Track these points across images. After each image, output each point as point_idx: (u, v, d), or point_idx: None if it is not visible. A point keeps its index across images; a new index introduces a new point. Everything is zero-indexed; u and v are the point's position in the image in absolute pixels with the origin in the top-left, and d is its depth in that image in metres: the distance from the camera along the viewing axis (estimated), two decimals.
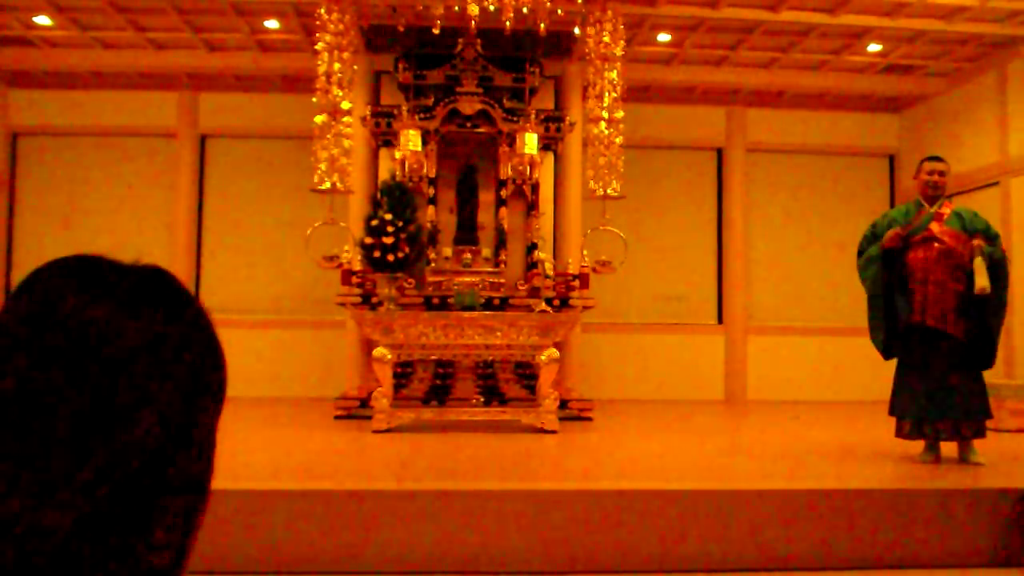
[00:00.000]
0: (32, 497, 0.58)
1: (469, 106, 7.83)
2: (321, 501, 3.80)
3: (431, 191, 7.95)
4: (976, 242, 4.76)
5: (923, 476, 4.48)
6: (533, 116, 7.61)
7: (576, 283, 7.66)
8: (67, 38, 8.86)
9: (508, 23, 6.50)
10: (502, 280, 7.85)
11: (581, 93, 8.37)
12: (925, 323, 4.83)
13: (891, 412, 5.02)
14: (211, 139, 10.01)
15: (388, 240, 6.88)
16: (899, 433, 4.99)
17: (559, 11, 6.93)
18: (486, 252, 7.99)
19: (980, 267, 4.69)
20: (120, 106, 9.79)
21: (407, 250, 6.96)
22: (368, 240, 6.96)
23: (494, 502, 3.82)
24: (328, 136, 7.12)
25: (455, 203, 8.20)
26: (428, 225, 7.82)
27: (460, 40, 7.85)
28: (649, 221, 10.04)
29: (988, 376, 4.96)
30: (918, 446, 5.01)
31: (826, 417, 7.95)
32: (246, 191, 9.94)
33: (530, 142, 7.46)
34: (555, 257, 8.14)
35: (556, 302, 7.36)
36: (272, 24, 8.58)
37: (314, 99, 7.20)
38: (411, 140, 7.36)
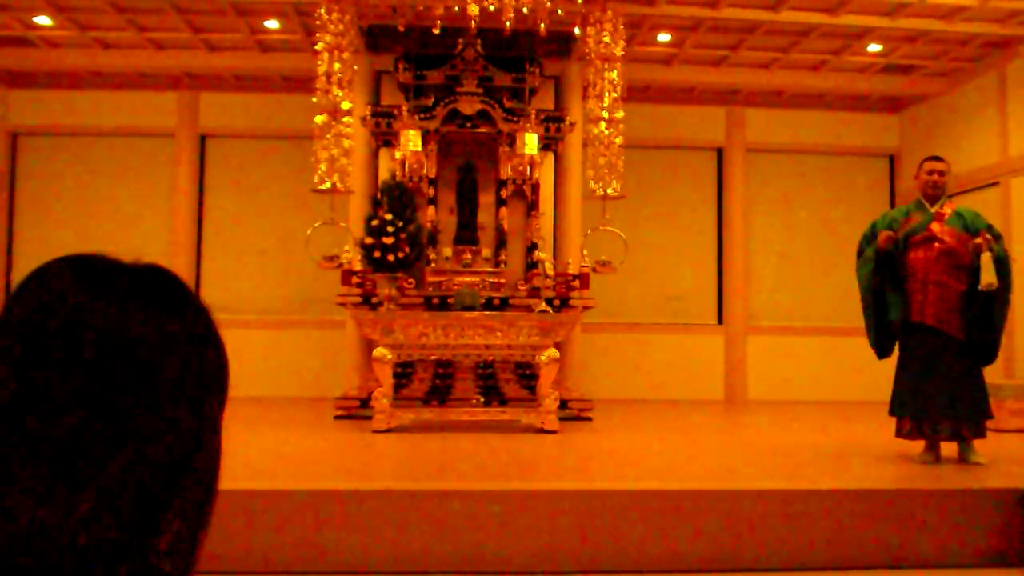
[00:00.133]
0: (37, 498, 0.58)
1: (469, 106, 7.83)
2: (321, 501, 3.80)
3: (431, 191, 7.95)
4: (981, 239, 4.75)
5: (923, 476, 4.48)
6: (533, 116, 7.61)
7: (576, 283, 7.65)
8: (67, 38, 8.86)
9: (508, 23, 6.50)
10: (502, 280, 7.85)
11: (581, 93, 8.37)
12: (925, 323, 4.83)
13: (891, 412, 5.02)
14: (211, 139, 10.00)
15: (388, 240, 6.88)
16: (899, 433, 5.00)
17: (559, 11, 6.93)
18: (486, 252, 7.99)
19: (988, 263, 4.68)
20: (120, 106, 9.79)
21: (407, 250, 6.95)
22: (368, 240, 6.96)
23: (494, 502, 3.82)
24: (328, 136, 7.12)
25: (455, 203, 8.20)
26: (428, 225, 7.82)
27: (460, 40, 7.85)
28: (649, 221, 10.04)
29: (988, 376, 4.96)
30: (918, 446, 5.01)
31: (826, 417, 7.94)
32: (246, 191, 9.94)
33: (530, 142, 7.46)
34: (555, 257, 8.14)
35: (556, 302, 7.36)
36: (272, 24, 8.58)
37: (314, 99, 7.20)
38: (411, 140, 7.36)
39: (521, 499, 3.85)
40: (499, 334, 6.42)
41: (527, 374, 7.42)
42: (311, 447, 5.69)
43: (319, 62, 7.17)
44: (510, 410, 6.56)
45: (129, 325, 0.63)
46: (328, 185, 7.15)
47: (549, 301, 7.09)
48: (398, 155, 7.62)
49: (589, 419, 7.17)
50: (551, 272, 7.25)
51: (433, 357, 6.76)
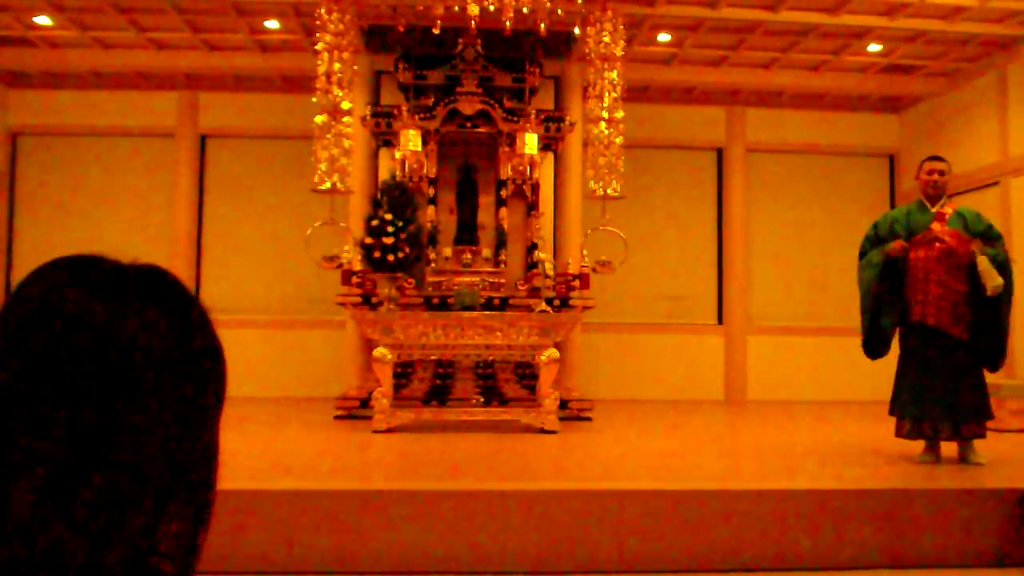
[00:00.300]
0: (34, 499, 0.58)
1: (469, 106, 7.83)
2: (321, 501, 3.80)
3: (431, 191, 7.95)
4: (974, 245, 4.76)
5: (923, 476, 4.48)
6: (533, 116, 7.60)
7: (576, 283, 7.65)
8: (67, 38, 8.86)
9: (508, 23, 6.50)
10: (502, 280, 7.85)
11: (581, 93, 8.37)
12: (925, 323, 4.83)
13: (891, 412, 5.02)
14: (211, 139, 10.00)
15: (388, 240, 6.88)
16: (899, 433, 4.99)
17: (559, 11, 6.92)
18: (486, 252, 7.99)
19: (985, 267, 4.68)
20: (120, 106, 9.79)
21: (407, 250, 6.95)
22: (368, 240, 6.96)
23: (494, 502, 3.82)
24: (328, 136, 7.12)
25: (455, 203, 8.20)
26: (428, 225, 7.82)
27: (460, 40, 7.85)
28: (649, 221, 10.04)
29: (988, 376, 4.96)
30: (918, 446, 5.01)
31: (826, 417, 7.94)
32: (246, 191, 9.94)
33: (530, 142, 7.46)
34: (555, 257, 8.14)
35: (556, 302, 7.36)
36: (272, 24, 8.58)
37: (314, 99, 7.20)
38: (411, 140, 7.36)
39: (521, 499, 3.85)
40: (499, 334, 6.42)
41: (527, 374, 7.42)
42: (311, 447, 5.69)
43: (319, 62, 7.16)
44: (510, 410, 6.56)
45: (124, 325, 0.63)
46: (328, 185, 7.15)
47: (549, 301, 7.09)
48: (398, 155, 7.61)
49: (589, 419, 7.17)
50: (551, 272, 7.25)
51: (433, 357, 6.77)
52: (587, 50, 7.60)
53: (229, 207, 9.94)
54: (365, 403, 6.98)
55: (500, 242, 7.98)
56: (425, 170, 7.88)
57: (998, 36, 8.38)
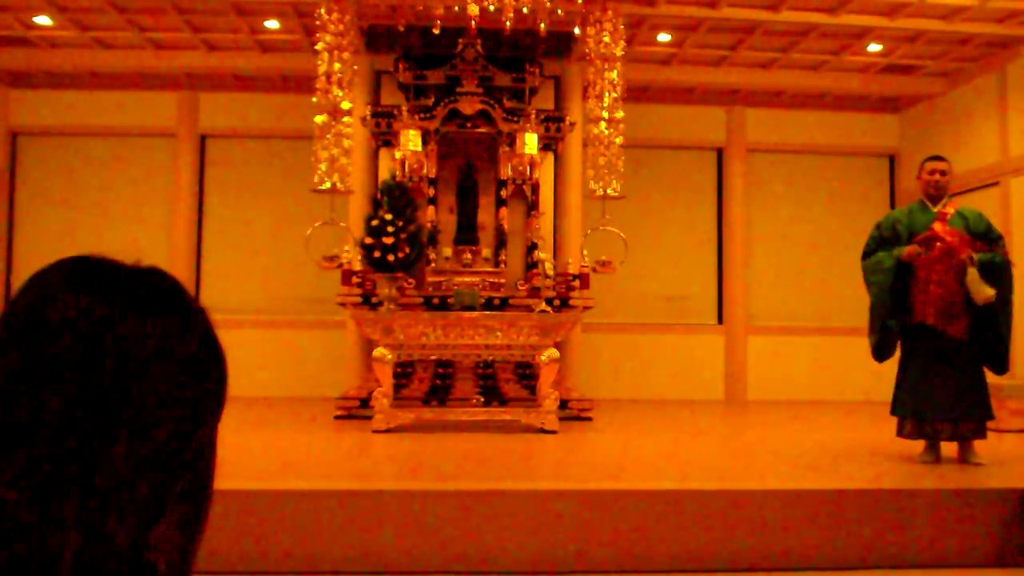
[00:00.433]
0: (31, 499, 0.58)
1: (469, 106, 7.83)
2: (321, 501, 3.80)
3: (431, 191, 7.95)
4: (965, 254, 4.74)
5: (923, 476, 4.48)
6: (533, 116, 7.61)
7: (576, 283, 7.66)
8: (67, 38, 8.86)
9: (508, 23, 6.50)
10: (502, 280, 7.85)
11: (581, 93, 8.36)
12: (926, 323, 4.83)
13: (893, 412, 5.02)
14: (211, 139, 10.00)
15: (388, 240, 6.88)
16: (900, 433, 5.00)
17: (559, 11, 6.93)
18: (486, 252, 7.99)
19: (974, 278, 4.68)
20: (120, 106, 9.78)
21: (407, 250, 6.96)
22: (368, 240, 6.96)
23: (494, 502, 3.82)
24: (328, 136, 7.12)
25: (455, 203, 8.20)
26: (428, 225, 7.82)
27: (460, 40, 7.85)
28: (649, 221, 10.04)
29: (988, 376, 4.96)
30: (918, 446, 5.01)
31: (826, 417, 7.95)
32: (246, 191, 9.94)
33: (530, 142, 7.46)
34: (555, 257, 8.14)
35: (556, 302, 7.36)
36: (272, 24, 8.58)
37: (314, 99, 7.20)
38: (411, 140, 7.36)
39: (521, 499, 3.85)
40: (499, 334, 6.42)
41: (527, 374, 7.42)
42: (311, 447, 5.69)
43: (319, 62, 7.16)
44: (510, 410, 6.56)
45: (128, 329, 0.63)
46: (328, 185, 7.15)
47: (549, 301, 7.09)
48: (398, 155, 7.61)
49: (589, 419, 7.17)
50: (551, 272, 7.25)
51: (433, 357, 6.77)
52: (587, 50, 7.60)
53: (229, 207, 9.94)
54: (365, 403, 6.98)
55: (500, 242, 7.98)
56: (425, 170, 7.88)
57: (998, 36, 8.38)
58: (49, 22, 8.46)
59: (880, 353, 5.10)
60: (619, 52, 7.41)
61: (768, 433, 6.91)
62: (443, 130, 7.91)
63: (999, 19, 8.06)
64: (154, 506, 0.62)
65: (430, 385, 7.31)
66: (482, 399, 7.00)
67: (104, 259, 0.68)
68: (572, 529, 3.76)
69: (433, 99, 7.89)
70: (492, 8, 6.42)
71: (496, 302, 7.46)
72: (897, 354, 5.11)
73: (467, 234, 8.07)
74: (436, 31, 6.77)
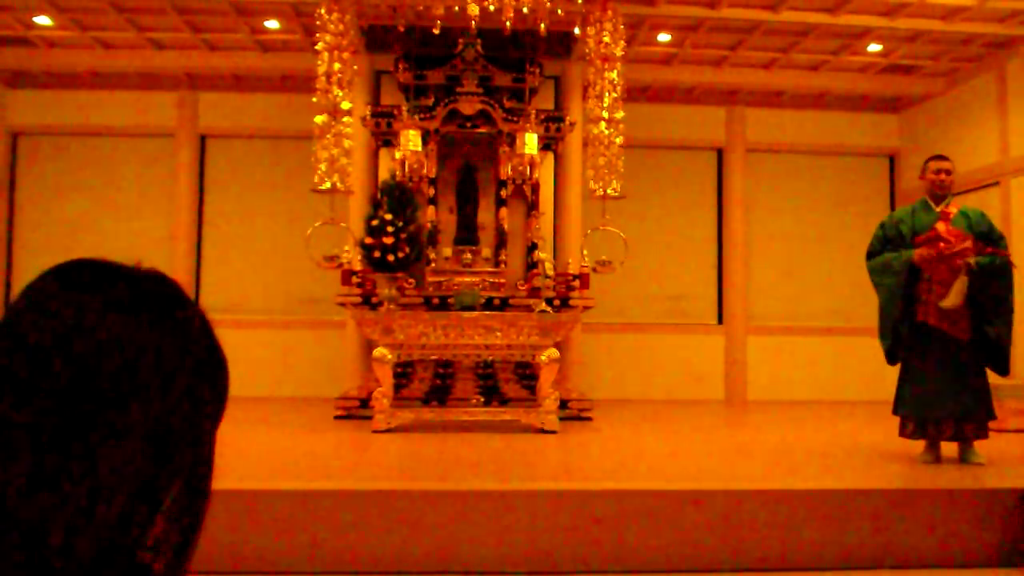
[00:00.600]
0: (21, 499, 0.58)
1: (469, 106, 7.83)
2: (321, 501, 3.80)
3: (431, 191, 7.95)
4: (967, 259, 4.73)
5: (923, 476, 4.48)
6: (533, 116, 7.60)
7: (576, 283, 7.66)
8: (67, 38, 8.86)
9: (508, 23, 6.50)
10: (502, 280, 7.85)
11: (581, 93, 8.37)
12: (929, 322, 4.82)
13: (895, 411, 5.01)
14: (211, 139, 10.00)
15: (388, 240, 6.88)
16: (903, 432, 4.99)
17: (559, 11, 6.92)
18: (486, 252, 7.99)
19: (960, 286, 4.68)
20: (120, 106, 9.79)
21: (407, 250, 6.95)
22: (368, 240, 6.96)
23: (494, 502, 3.82)
24: (328, 136, 7.12)
25: (455, 203, 8.20)
26: (428, 225, 7.82)
27: (460, 40, 7.85)
28: (649, 221, 10.04)
29: (989, 376, 4.95)
30: (918, 446, 5.01)
31: (826, 417, 7.95)
32: (246, 191, 9.94)
33: (530, 142, 7.46)
34: (555, 257, 8.14)
35: (556, 302, 7.36)
36: (272, 24, 8.58)
37: (314, 99, 7.19)
38: (411, 140, 7.36)
39: (521, 499, 3.85)
40: (499, 334, 6.42)
41: (527, 374, 7.42)
42: (311, 447, 5.69)
43: (319, 62, 7.16)
44: (510, 410, 6.56)
45: (129, 333, 0.63)
46: (328, 185, 7.15)
47: (549, 301, 7.09)
48: (398, 155, 7.61)
49: (589, 419, 7.17)
50: (551, 272, 7.25)
51: (433, 357, 6.76)
52: (587, 50, 7.59)
53: (229, 207, 9.94)
54: (365, 403, 6.98)
55: (500, 242, 7.98)
56: (425, 170, 7.88)
57: (998, 36, 8.38)
58: (49, 22, 8.46)
59: (893, 356, 5.06)
60: (619, 52, 7.41)
61: (768, 433, 6.91)
62: (443, 130, 7.91)
63: (999, 19, 8.07)
64: (147, 507, 0.62)
65: (430, 385, 7.31)
66: (482, 399, 7.00)
67: (103, 262, 0.68)
68: (572, 529, 3.76)
69: (433, 99, 7.89)
70: (492, 8, 6.42)
71: (496, 302, 7.46)
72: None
73: (467, 234, 8.07)
74: (436, 31, 6.76)
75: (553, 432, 6.22)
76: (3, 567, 0.57)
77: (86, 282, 0.65)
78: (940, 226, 4.93)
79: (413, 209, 7.27)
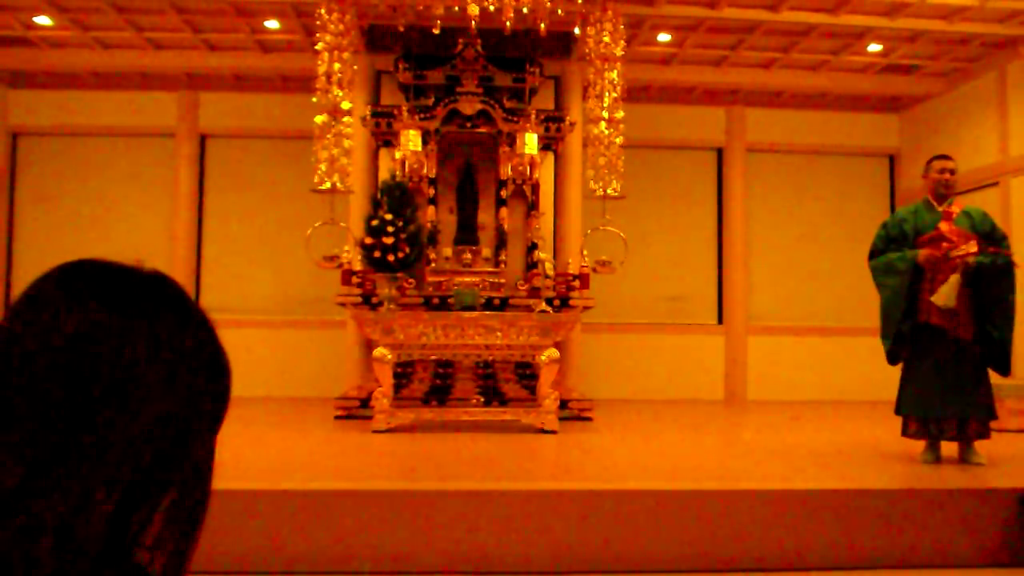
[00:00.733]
0: (17, 500, 0.58)
1: (469, 106, 7.83)
2: (321, 501, 3.80)
3: (431, 191, 7.95)
4: (968, 259, 4.73)
5: (923, 476, 4.48)
6: (533, 116, 7.61)
7: (576, 283, 7.65)
8: (67, 38, 8.86)
9: (508, 23, 6.50)
10: (502, 280, 7.85)
11: (581, 93, 8.37)
12: (931, 322, 4.82)
13: (897, 411, 5.01)
14: (211, 139, 10.01)
15: (388, 240, 6.88)
16: (905, 432, 4.99)
17: (559, 11, 6.92)
18: (486, 252, 7.99)
19: (954, 283, 4.67)
20: (120, 106, 9.79)
21: (407, 250, 6.95)
22: (368, 240, 6.96)
23: (494, 502, 3.82)
24: (328, 136, 7.12)
25: (455, 203, 8.20)
26: (428, 225, 7.82)
27: (460, 40, 7.85)
28: (649, 221, 10.05)
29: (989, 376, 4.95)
30: (917, 446, 5.01)
31: (826, 417, 7.95)
32: (246, 191, 9.94)
33: (530, 142, 7.46)
34: (555, 257, 8.14)
35: (556, 302, 7.36)
36: (272, 24, 8.58)
37: (314, 99, 7.20)
38: (411, 140, 7.36)
39: (521, 499, 3.85)
40: (499, 334, 6.42)
41: (527, 374, 7.42)
42: (311, 447, 5.69)
43: (319, 62, 7.16)
44: (510, 410, 6.56)
45: (130, 335, 0.63)
46: (328, 185, 7.15)
47: (549, 301, 7.09)
48: (398, 155, 7.62)
49: (589, 419, 7.17)
50: (551, 272, 7.25)
51: (433, 357, 6.76)
52: (587, 50, 7.60)
53: (229, 207, 9.94)
54: (365, 403, 6.98)
55: (500, 242, 7.98)
56: (425, 170, 7.88)
57: (998, 36, 8.38)
58: (49, 22, 8.46)
59: (894, 356, 5.06)
60: (619, 52, 7.41)
61: (768, 433, 6.91)
62: (443, 130, 7.91)
63: (999, 19, 8.07)
64: (145, 508, 0.62)
65: (430, 385, 7.31)
66: (482, 399, 7.00)
67: (104, 263, 0.68)
68: (572, 529, 3.76)
69: (433, 99, 7.89)
70: (492, 8, 6.42)
71: (496, 302, 7.46)
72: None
73: (467, 234, 8.07)
74: (436, 31, 6.76)
75: (553, 432, 6.22)
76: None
77: (87, 282, 0.65)
78: (943, 226, 4.92)
79: (413, 209, 7.26)
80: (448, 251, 7.93)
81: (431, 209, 7.92)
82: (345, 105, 7.18)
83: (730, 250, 10.18)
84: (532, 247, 7.99)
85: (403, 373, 7.34)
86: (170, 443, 0.64)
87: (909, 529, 3.85)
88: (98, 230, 9.66)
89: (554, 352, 6.40)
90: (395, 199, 7.08)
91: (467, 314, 6.56)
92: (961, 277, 4.70)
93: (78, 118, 9.78)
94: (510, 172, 7.97)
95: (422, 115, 7.73)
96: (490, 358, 6.93)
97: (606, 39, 7.37)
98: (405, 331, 6.38)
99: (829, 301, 10.17)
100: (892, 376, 5.16)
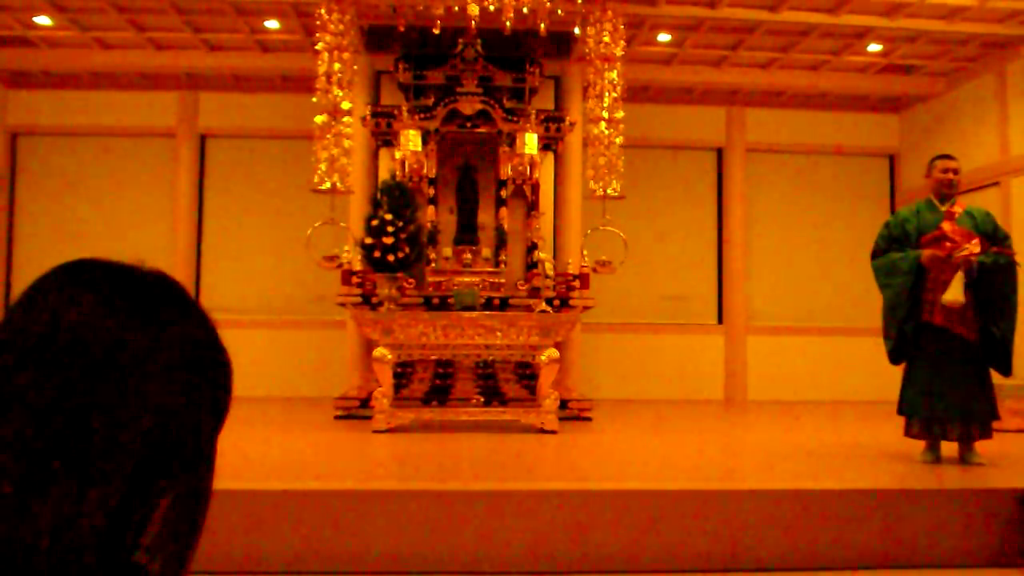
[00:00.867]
0: (13, 500, 0.58)
1: (469, 106, 7.83)
2: (321, 501, 3.80)
3: (431, 191, 7.95)
4: (972, 257, 4.72)
5: (923, 476, 4.48)
6: (533, 116, 7.61)
7: (576, 283, 7.65)
8: (67, 38, 8.86)
9: (508, 23, 6.50)
10: (502, 280, 7.85)
11: (581, 93, 8.37)
12: (934, 322, 4.82)
13: (900, 411, 5.00)
14: (211, 139, 10.01)
15: (388, 240, 6.88)
16: (908, 432, 4.98)
17: (559, 11, 6.93)
18: (486, 252, 7.99)
19: (958, 281, 4.67)
20: (120, 106, 9.79)
21: (407, 250, 6.95)
22: (368, 240, 6.96)
23: (494, 502, 3.82)
24: (328, 136, 7.12)
25: (455, 203, 8.20)
26: (428, 225, 7.82)
27: (460, 40, 7.86)
28: (649, 221, 10.05)
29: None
30: (918, 446, 5.00)
31: (826, 417, 7.95)
32: (246, 191, 9.95)
33: (530, 142, 7.46)
34: (555, 257, 8.14)
35: (556, 302, 7.36)
36: (272, 24, 8.58)
37: (314, 99, 7.20)
38: (411, 140, 7.36)
39: (521, 499, 3.85)
40: (499, 334, 6.42)
41: (527, 374, 7.42)
42: (311, 447, 5.69)
43: (319, 62, 7.17)
44: (510, 410, 6.56)
45: (131, 335, 0.63)
46: (328, 185, 7.15)
47: (549, 301, 7.09)
48: (398, 155, 7.62)
49: (589, 419, 7.17)
50: (551, 272, 7.25)
51: (433, 357, 6.76)
52: (587, 50, 7.60)
53: (229, 207, 9.95)
54: (365, 403, 6.98)
55: (500, 242, 7.98)
56: (425, 170, 7.88)
57: (998, 36, 8.38)
58: (49, 22, 8.46)
59: (897, 356, 5.04)
60: (619, 52, 7.41)
61: (768, 433, 6.91)
62: (443, 130, 7.91)
63: (999, 19, 8.07)
64: (144, 509, 0.62)
65: (430, 385, 7.31)
66: (482, 399, 7.00)
67: (105, 262, 0.68)
68: (572, 529, 3.76)
69: (433, 99, 7.88)
70: (492, 8, 6.43)
71: (496, 302, 7.46)
72: None
73: (467, 234, 8.07)
74: (436, 31, 6.77)
75: (553, 432, 6.22)
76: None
77: (88, 282, 0.65)
78: (946, 225, 4.92)
79: (413, 209, 7.27)
80: (448, 251, 7.93)
81: (431, 209, 7.92)
82: (345, 105, 7.18)
83: (730, 250, 10.18)
84: (532, 247, 7.99)
85: (403, 373, 7.34)
86: (171, 443, 0.64)
87: (909, 529, 3.85)
88: (98, 230, 9.67)
89: (554, 352, 6.41)
90: (395, 199, 7.08)
91: (467, 314, 6.57)
92: (964, 276, 4.70)
93: (78, 118, 9.78)
94: (510, 172, 7.97)
95: (422, 115, 7.73)
96: (490, 358, 6.93)
97: (606, 39, 7.37)
98: (405, 331, 6.38)
99: (829, 301, 10.17)
100: (892, 376, 5.16)
